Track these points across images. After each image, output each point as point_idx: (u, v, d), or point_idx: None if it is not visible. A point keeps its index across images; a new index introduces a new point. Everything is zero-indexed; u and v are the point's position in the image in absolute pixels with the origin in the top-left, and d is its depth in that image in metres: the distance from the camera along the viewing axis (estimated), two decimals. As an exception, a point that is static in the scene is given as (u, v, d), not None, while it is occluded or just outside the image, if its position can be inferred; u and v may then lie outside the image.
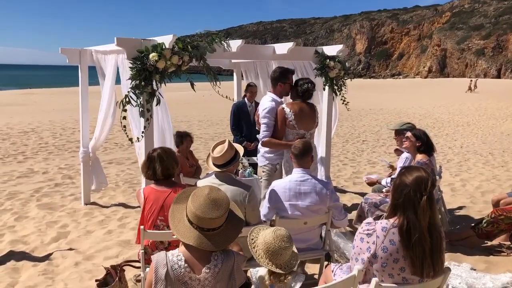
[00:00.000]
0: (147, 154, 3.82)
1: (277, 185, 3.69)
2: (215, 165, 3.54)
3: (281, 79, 4.93)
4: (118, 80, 4.96)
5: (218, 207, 2.22)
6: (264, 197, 3.99)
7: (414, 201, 2.41)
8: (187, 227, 2.25)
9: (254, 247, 2.60)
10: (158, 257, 2.21)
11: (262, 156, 5.05)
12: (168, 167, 3.60)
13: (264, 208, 3.69)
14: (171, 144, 5.25)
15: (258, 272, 2.70)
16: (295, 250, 2.64)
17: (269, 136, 4.81)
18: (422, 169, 2.51)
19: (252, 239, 2.64)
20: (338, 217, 3.76)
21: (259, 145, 5.04)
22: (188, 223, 2.25)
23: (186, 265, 2.18)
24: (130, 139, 4.61)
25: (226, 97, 6.75)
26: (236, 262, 2.28)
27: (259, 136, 4.93)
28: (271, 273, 2.57)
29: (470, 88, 41.15)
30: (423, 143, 4.63)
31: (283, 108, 4.79)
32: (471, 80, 45.82)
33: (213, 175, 3.57)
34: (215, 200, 2.23)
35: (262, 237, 2.58)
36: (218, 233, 2.23)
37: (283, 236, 2.54)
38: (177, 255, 2.21)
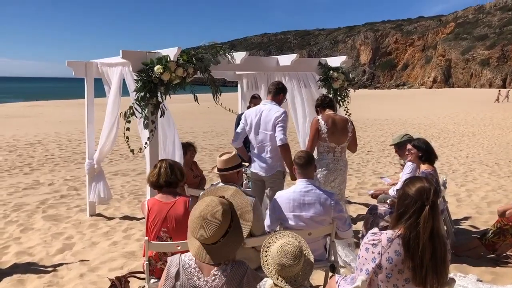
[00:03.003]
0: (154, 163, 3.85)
1: (281, 196, 3.69)
2: (218, 169, 3.59)
3: (284, 91, 4.90)
4: (126, 92, 4.98)
5: (209, 225, 2.21)
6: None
7: (416, 211, 2.41)
8: (191, 237, 2.33)
9: (265, 256, 2.48)
10: (173, 257, 2.35)
11: (272, 165, 4.70)
12: (174, 174, 3.60)
13: (267, 219, 3.69)
14: (179, 158, 4.96)
15: (266, 283, 2.67)
16: (311, 260, 2.50)
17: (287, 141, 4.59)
18: (425, 179, 2.52)
19: (269, 244, 2.51)
20: (343, 228, 3.74)
21: (267, 154, 4.68)
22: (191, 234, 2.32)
23: (196, 265, 2.27)
24: (132, 150, 4.64)
25: (230, 110, 6.79)
26: (248, 275, 2.27)
27: (280, 137, 4.52)
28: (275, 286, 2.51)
29: (498, 99, 40.72)
30: (423, 152, 4.64)
31: (318, 120, 4.77)
32: (499, 90, 45.14)
33: (219, 185, 3.59)
34: (206, 218, 2.22)
35: (275, 247, 2.46)
36: (217, 246, 2.25)
37: (287, 253, 2.39)
38: (189, 256, 2.32)
